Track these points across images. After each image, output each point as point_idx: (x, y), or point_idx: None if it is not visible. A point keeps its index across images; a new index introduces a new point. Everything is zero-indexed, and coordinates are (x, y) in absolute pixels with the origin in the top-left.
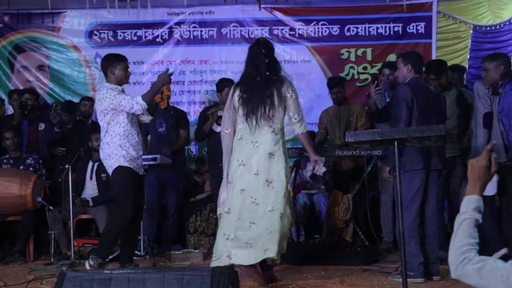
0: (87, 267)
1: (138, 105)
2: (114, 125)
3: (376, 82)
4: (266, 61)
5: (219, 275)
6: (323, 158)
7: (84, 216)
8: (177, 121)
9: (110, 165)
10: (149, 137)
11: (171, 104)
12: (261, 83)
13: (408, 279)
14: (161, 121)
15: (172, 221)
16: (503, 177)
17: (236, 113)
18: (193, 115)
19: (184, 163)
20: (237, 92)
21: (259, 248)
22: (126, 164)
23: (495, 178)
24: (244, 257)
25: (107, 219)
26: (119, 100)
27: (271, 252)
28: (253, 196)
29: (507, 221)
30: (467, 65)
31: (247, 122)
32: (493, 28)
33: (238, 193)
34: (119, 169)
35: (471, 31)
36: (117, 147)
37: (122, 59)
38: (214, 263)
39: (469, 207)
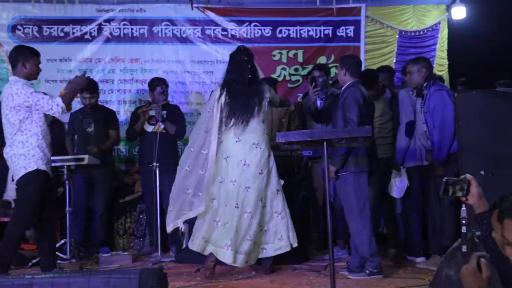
0: None
1: (58, 107)
2: (29, 123)
3: (314, 83)
4: (249, 66)
5: (147, 277)
6: None
7: (6, 219)
8: (106, 120)
9: (23, 165)
10: (75, 136)
11: (99, 103)
12: (247, 88)
13: (370, 277)
14: (89, 121)
15: (99, 222)
16: (427, 177)
17: (216, 115)
18: (123, 114)
19: (112, 163)
20: (224, 95)
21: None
22: (43, 167)
23: (401, 183)
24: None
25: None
26: (36, 99)
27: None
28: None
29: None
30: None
31: (238, 124)
32: (417, 33)
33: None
34: (34, 172)
35: (397, 36)
36: (34, 147)
37: (37, 53)
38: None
39: None
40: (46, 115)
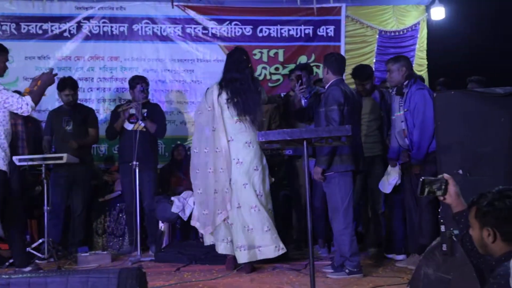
0: None
1: (28, 106)
2: None
3: (300, 81)
4: (249, 65)
5: (126, 277)
6: None
7: None
8: (85, 119)
9: None
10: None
11: (78, 102)
12: (248, 86)
13: (350, 276)
14: (67, 119)
15: (78, 222)
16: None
17: (219, 113)
18: (102, 112)
19: (91, 162)
20: (224, 95)
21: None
22: (4, 168)
23: (394, 180)
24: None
25: None
26: (6, 97)
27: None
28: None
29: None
30: (374, 69)
31: (240, 123)
32: (397, 33)
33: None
34: None
35: (377, 36)
36: None
37: (6, 50)
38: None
39: None
40: (11, 114)
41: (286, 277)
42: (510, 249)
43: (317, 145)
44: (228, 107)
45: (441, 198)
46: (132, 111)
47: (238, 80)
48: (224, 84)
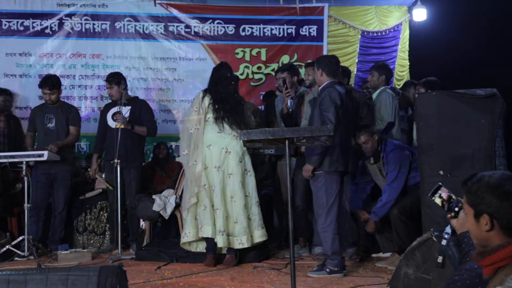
0: None
1: None
2: None
3: (285, 85)
4: (233, 83)
5: (106, 275)
6: None
7: None
8: (67, 116)
9: None
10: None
11: (61, 99)
12: (233, 99)
13: (331, 275)
14: (50, 116)
15: (59, 219)
16: None
17: (203, 114)
18: (84, 110)
19: (73, 159)
20: (209, 97)
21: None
22: None
23: None
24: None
25: None
26: None
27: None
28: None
29: None
30: (356, 69)
31: (218, 127)
32: (379, 34)
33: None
34: None
35: (360, 36)
36: None
37: None
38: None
39: None
40: None
41: (267, 276)
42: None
43: (298, 144)
44: (211, 112)
45: (449, 216)
46: (115, 109)
47: (221, 93)
48: (209, 91)
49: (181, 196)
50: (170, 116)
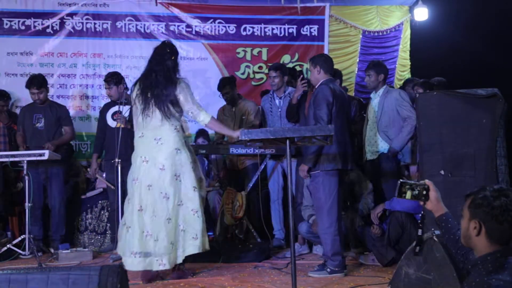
0: None
1: None
2: None
3: (302, 76)
4: (172, 58)
5: (107, 274)
6: (238, 132)
7: None
8: (57, 116)
9: None
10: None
11: (56, 98)
12: (162, 81)
13: (331, 275)
14: (39, 116)
15: (58, 218)
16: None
17: (136, 109)
18: (85, 109)
19: (69, 158)
20: (136, 89)
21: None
22: None
23: None
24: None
25: None
26: None
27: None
28: (162, 192)
29: None
30: (357, 68)
31: (147, 119)
32: (380, 33)
33: (146, 189)
34: None
35: (361, 36)
36: None
37: None
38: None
39: None
40: None
41: (267, 276)
42: (491, 251)
43: (299, 144)
44: (139, 102)
45: (422, 203)
46: (115, 108)
47: (155, 72)
48: (139, 79)
49: None
50: None
